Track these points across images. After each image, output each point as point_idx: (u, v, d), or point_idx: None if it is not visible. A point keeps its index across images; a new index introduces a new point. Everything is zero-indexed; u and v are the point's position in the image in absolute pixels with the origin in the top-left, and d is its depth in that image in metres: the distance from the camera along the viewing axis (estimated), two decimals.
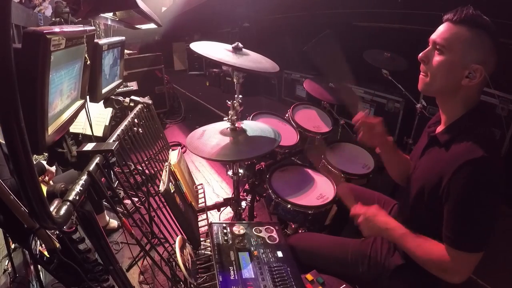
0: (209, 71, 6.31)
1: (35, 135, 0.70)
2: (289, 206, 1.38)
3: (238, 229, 1.19)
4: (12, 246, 1.52)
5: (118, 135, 1.10)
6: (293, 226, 1.58)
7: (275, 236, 1.18)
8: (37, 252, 1.05)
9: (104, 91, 1.30)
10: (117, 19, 1.95)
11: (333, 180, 1.57)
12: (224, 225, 1.20)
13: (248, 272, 1.00)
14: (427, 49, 0.89)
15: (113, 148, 0.89)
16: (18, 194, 0.58)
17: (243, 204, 1.58)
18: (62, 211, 0.62)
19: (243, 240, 1.13)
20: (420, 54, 0.90)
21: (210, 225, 1.20)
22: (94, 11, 1.32)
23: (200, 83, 6.59)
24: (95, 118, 1.96)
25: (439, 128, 0.94)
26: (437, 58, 0.85)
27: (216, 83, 5.99)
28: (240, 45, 1.20)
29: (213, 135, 1.21)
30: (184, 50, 7.89)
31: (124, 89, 3.24)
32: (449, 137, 0.87)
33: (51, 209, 0.61)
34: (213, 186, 2.63)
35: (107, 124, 1.97)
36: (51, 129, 0.77)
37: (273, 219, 1.59)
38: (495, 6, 1.33)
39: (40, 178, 1.60)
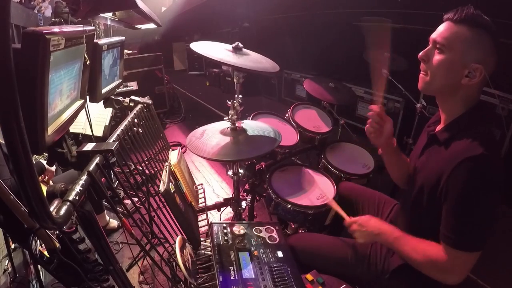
0: (209, 71, 6.31)
1: (35, 135, 0.70)
2: (289, 206, 1.38)
3: (238, 229, 1.19)
4: (12, 246, 1.52)
5: (118, 135, 1.10)
6: (293, 226, 1.58)
7: (275, 236, 1.18)
8: (37, 252, 1.05)
9: (104, 91, 1.30)
10: (117, 19, 1.95)
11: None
12: (224, 225, 1.20)
13: (248, 272, 1.00)
14: (427, 48, 0.89)
15: (113, 148, 0.89)
16: (18, 194, 0.58)
17: (243, 204, 1.58)
18: (62, 211, 0.62)
19: (243, 240, 1.13)
20: (420, 53, 0.90)
21: (210, 225, 1.20)
22: (94, 11, 1.32)
23: (200, 83, 6.59)
24: (95, 118, 1.96)
25: (439, 127, 0.94)
26: (437, 57, 0.85)
27: (216, 83, 5.99)
28: (240, 45, 1.20)
29: (213, 135, 1.21)
30: (184, 50, 7.89)
31: (124, 89, 3.25)
32: (449, 135, 0.87)
33: (51, 209, 0.61)
34: (213, 186, 2.63)
35: (107, 124, 1.97)
36: (51, 129, 0.77)
37: (273, 219, 1.58)
38: (495, 6, 1.33)
39: (40, 178, 1.60)
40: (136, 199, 1.13)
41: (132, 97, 1.52)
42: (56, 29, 0.71)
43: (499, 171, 0.77)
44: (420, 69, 0.92)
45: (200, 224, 1.45)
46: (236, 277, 0.97)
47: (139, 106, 1.48)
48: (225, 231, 1.17)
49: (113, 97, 1.46)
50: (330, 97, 1.97)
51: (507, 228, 1.72)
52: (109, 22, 2.04)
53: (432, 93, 0.91)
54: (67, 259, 0.71)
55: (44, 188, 0.66)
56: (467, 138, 0.80)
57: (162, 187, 1.09)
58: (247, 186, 1.67)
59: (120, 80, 1.54)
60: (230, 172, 1.42)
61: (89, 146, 0.88)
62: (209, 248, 1.39)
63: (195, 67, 7.50)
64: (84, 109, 1.08)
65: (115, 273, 0.90)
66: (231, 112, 1.20)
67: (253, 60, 1.19)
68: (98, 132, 1.92)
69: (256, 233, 1.18)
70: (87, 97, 1.13)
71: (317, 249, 1.16)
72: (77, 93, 1.01)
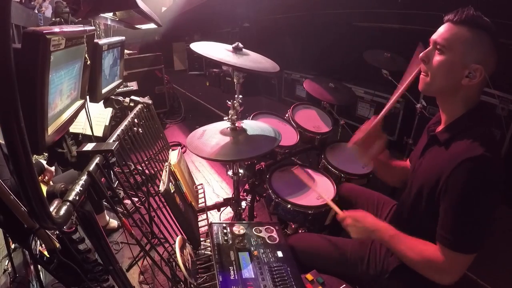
0: (209, 71, 6.30)
1: (35, 135, 0.70)
2: (289, 206, 1.38)
3: (238, 229, 1.19)
4: (12, 246, 1.52)
5: (118, 135, 1.10)
6: (293, 226, 1.58)
7: (275, 236, 1.18)
8: (37, 252, 1.05)
9: (104, 91, 1.30)
10: (117, 19, 1.94)
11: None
12: (224, 225, 1.20)
13: (248, 272, 1.00)
14: (427, 49, 0.89)
15: (113, 148, 0.89)
16: (18, 194, 0.58)
17: (243, 204, 1.58)
18: (62, 211, 0.62)
19: (243, 240, 1.13)
20: (420, 54, 0.90)
21: (210, 225, 1.20)
22: (94, 11, 1.31)
23: (200, 83, 6.58)
24: (95, 118, 1.96)
25: (439, 128, 0.94)
26: (437, 58, 0.85)
27: (216, 83, 5.99)
28: (240, 45, 1.19)
29: (213, 135, 1.21)
30: (184, 50, 7.89)
31: (124, 89, 3.24)
32: (449, 136, 0.87)
33: (51, 209, 0.61)
34: (213, 186, 2.63)
35: (107, 124, 1.97)
36: (51, 129, 0.77)
37: (273, 219, 1.59)
38: (495, 6, 1.33)
39: (40, 178, 1.60)
40: (136, 199, 1.13)
41: (132, 97, 1.52)
42: (56, 29, 0.71)
43: (499, 172, 0.76)
44: (421, 70, 0.92)
45: (200, 224, 1.45)
46: (236, 277, 0.97)
47: (139, 106, 1.48)
48: (225, 231, 1.17)
49: (113, 97, 1.46)
50: (330, 97, 1.97)
51: (507, 228, 1.72)
52: (109, 22, 2.04)
53: (433, 94, 0.92)
54: (67, 259, 0.71)
55: (44, 188, 0.66)
56: (468, 139, 0.80)
57: (162, 187, 1.09)
58: (247, 186, 1.67)
59: (120, 80, 1.54)
60: (230, 172, 1.42)
61: (89, 146, 0.89)
62: (209, 248, 1.39)
63: (195, 67, 7.50)
64: (84, 109, 1.08)
65: (115, 273, 0.90)
66: (231, 112, 1.20)
67: (253, 60, 1.19)
68: (98, 132, 1.92)
69: (256, 233, 1.18)
70: (87, 97, 1.13)
71: (317, 249, 1.16)
72: (77, 93, 1.01)
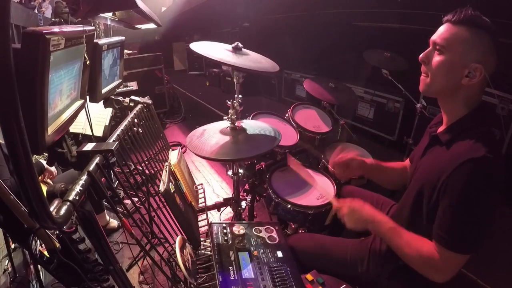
0: (209, 71, 6.31)
1: (35, 135, 0.70)
2: (289, 206, 1.38)
3: (238, 229, 1.18)
4: (12, 246, 1.52)
5: (118, 135, 1.10)
6: (293, 226, 1.58)
7: (275, 236, 1.18)
8: (37, 252, 1.05)
9: (104, 91, 1.30)
10: (117, 19, 1.94)
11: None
12: (224, 225, 1.20)
13: (248, 272, 1.00)
14: (427, 50, 0.89)
15: (113, 148, 0.89)
16: (18, 194, 0.58)
17: (243, 204, 1.58)
18: (62, 211, 0.62)
19: (243, 240, 1.13)
20: (420, 55, 0.90)
21: (210, 225, 1.20)
22: (94, 11, 1.31)
23: (200, 83, 6.58)
24: (95, 118, 1.96)
25: (441, 128, 0.94)
26: (437, 58, 0.85)
27: (216, 83, 5.99)
28: (240, 45, 1.19)
29: (213, 134, 1.21)
30: (184, 50, 7.89)
31: (124, 89, 3.24)
32: (451, 136, 0.87)
33: (51, 209, 0.61)
34: (213, 186, 2.63)
35: (107, 124, 1.97)
36: (51, 129, 0.77)
37: (273, 219, 1.59)
38: (495, 6, 1.33)
39: (40, 178, 1.60)
40: (136, 199, 1.13)
41: (132, 97, 1.52)
42: (56, 29, 0.71)
43: (500, 173, 0.76)
44: (421, 71, 0.92)
45: (200, 224, 1.45)
46: (236, 277, 0.97)
47: (139, 106, 1.48)
48: (225, 231, 1.17)
49: (113, 97, 1.46)
50: (330, 97, 1.97)
51: (507, 228, 1.72)
52: (109, 22, 2.04)
53: (433, 94, 0.92)
54: (67, 259, 0.71)
55: (44, 188, 0.66)
56: (469, 139, 0.80)
57: (162, 187, 1.09)
58: (247, 186, 1.67)
59: (120, 80, 1.54)
60: (230, 172, 1.42)
61: (89, 146, 0.89)
62: (209, 248, 1.39)
63: (195, 67, 7.51)
64: (84, 109, 1.08)
65: (115, 273, 0.90)
66: (230, 111, 1.20)
67: (253, 60, 1.19)
68: (98, 132, 1.92)
69: (255, 233, 1.18)
70: (87, 97, 1.13)
71: (317, 249, 1.16)
72: (77, 93, 1.01)
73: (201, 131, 1.25)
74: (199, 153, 1.09)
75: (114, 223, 2.05)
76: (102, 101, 1.38)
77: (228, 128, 1.22)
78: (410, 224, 0.96)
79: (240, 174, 1.43)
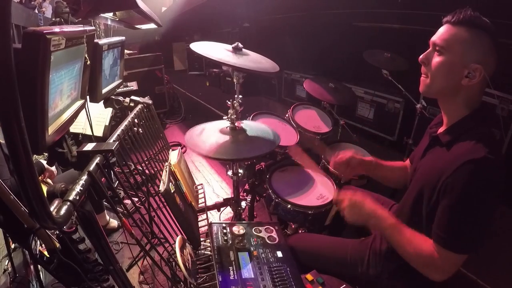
0: (209, 71, 6.30)
1: (35, 135, 0.70)
2: (289, 206, 1.38)
3: (238, 229, 1.19)
4: (12, 246, 1.52)
5: (118, 135, 1.10)
6: (293, 226, 1.58)
7: (275, 236, 1.18)
8: (37, 252, 1.05)
9: (104, 91, 1.30)
10: (117, 19, 1.94)
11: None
12: (224, 225, 1.20)
13: (248, 272, 1.00)
14: (427, 51, 0.89)
15: (113, 148, 0.89)
16: (18, 194, 0.58)
17: (243, 204, 1.58)
18: (62, 211, 0.62)
19: (243, 240, 1.13)
20: (420, 56, 0.90)
21: (210, 225, 1.20)
22: (94, 11, 1.31)
23: (200, 83, 6.58)
24: (95, 118, 1.96)
25: (441, 129, 0.94)
26: (436, 59, 0.85)
27: (216, 83, 5.99)
28: (240, 45, 1.20)
29: (213, 133, 1.21)
30: (184, 50, 7.89)
31: (124, 89, 3.24)
32: (451, 137, 0.87)
33: (51, 209, 0.61)
34: (213, 186, 2.63)
35: (107, 124, 1.97)
36: (51, 129, 0.77)
37: (273, 219, 1.59)
38: (495, 6, 1.33)
39: (40, 178, 1.60)
40: (136, 199, 1.13)
41: (132, 97, 1.52)
42: (56, 29, 0.71)
43: (500, 174, 0.76)
44: (421, 72, 0.92)
45: (200, 224, 1.45)
46: (236, 277, 0.97)
47: (139, 106, 1.48)
48: (224, 231, 1.17)
49: (113, 97, 1.46)
50: (330, 97, 1.97)
51: (507, 228, 1.72)
52: (109, 22, 2.04)
53: (434, 95, 0.92)
54: (67, 259, 0.71)
55: (44, 188, 0.66)
56: (470, 140, 0.80)
57: (162, 187, 1.09)
58: (247, 186, 1.67)
59: (120, 80, 1.54)
60: (230, 172, 1.42)
61: (89, 146, 0.89)
62: (209, 248, 1.39)
63: (195, 67, 7.50)
64: (84, 109, 1.08)
65: (115, 273, 0.90)
66: (230, 111, 1.20)
67: (253, 60, 1.19)
68: (98, 132, 1.92)
69: (255, 233, 1.18)
70: (87, 97, 1.13)
71: (317, 249, 1.16)
72: (77, 93, 1.01)
73: (201, 129, 1.25)
74: (198, 151, 1.08)
75: (114, 223, 2.05)
76: (102, 101, 1.38)
77: (228, 128, 1.22)
78: (410, 225, 0.96)
79: (240, 174, 1.43)
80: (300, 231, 1.55)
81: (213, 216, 2.06)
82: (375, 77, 2.57)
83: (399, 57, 2.18)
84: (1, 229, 1.25)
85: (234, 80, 1.18)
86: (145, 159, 1.35)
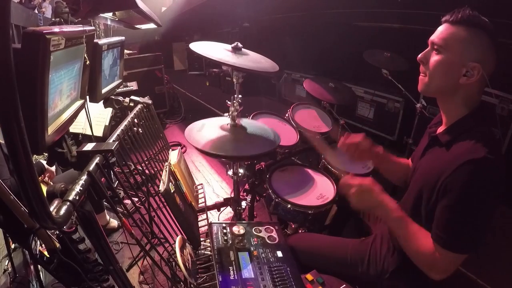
0: (209, 71, 6.31)
1: (35, 135, 0.70)
2: (289, 206, 1.38)
3: (238, 229, 1.19)
4: (12, 246, 1.53)
5: (118, 135, 1.10)
6: (293, 226, 1.58)
7: (275, 236, 1.18)
8: (37, 252, 1.05)
9: (104, 91, 1.30)
10: (117, 19, 1.95)
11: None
12: (224, 225, 1.20)
13: (248, 272, 1.00)
14: (425, 50, 0.89)
15: (113, 148, 0.89)
16: (18, 194, 0.58)
17: (243, 204, 1.58)
18: (62, 211, 0.62)
19: (243, 240, 1.13)
20: (419, 55, 0.90)
21: (210, 225, 1.20)
22: (94, 11, 1.32)
23: (200, 83, 6.59)
24: (95, 118, 1.96)
25: (440, 129, 0.94)
26: (434, 58, 0.86)
27: (216, 83, 5.99)
28: (240, 45, 1.19)
29: (213, 129, 1.20)
30: (184, 50, 7.89)
31: (124, 89, 3.25)
32: (450, 137, 0.87)
33: (51, 209, 0.61)
34: (213, 186, 2.63)
35: (107, 124, 1.97)
36: (51, 129, 0.77)
37: (273, 219, 1.58)
38: (495, 6, 1.33)
39: (40, 178, 1.60)
40: (136, 199, 1.13)
41: (132, 97, 1.52)
42: (56, 29, 0.71)
43: (500, 174, 0.76)
44: (420, 71, 0.92)
45: (200, 224, 1.45)
46: (236, 277, 0.97)
47: (139, 106, 1.48)
48: (224, 231, 1.17)
49: (113, 97, 1.46)
50: (330, 97, 1.97)
51: (507, 228, 1.72)
52: (109, 22, 2.04)
53: (432, 94, 0.92)
54: (67, 259, 0.71)
55: (44, 188, 0.66)
56: (469, 140, 0.80)
57: (162, 187, 1.09)
58: (247, 186, 1.67)
59: (120, 80, 1.54)
60: (230, 172, 1.42)
61: (89, 146, 0.88)
62: (209, 248, 1.39)
63: (195, 67, 7.51)
64: (84, 109, 1.08)
65: (115, 273, 0.90)
66: (231, 108, 1.20)
67: (253, 60, 1.19)
68: (98, 132, 1.92)
69: (255, 233, 1.18)
70: (87, 97, 1.13)
71: (317, 249, 1.16)
72: (77, 93, 1.01)
73: (201, 124, 1.25)
74: (197, 146, 1.07)
75: (114, 223, 2.05)
76: (102, 101, 1.38)
77: (228, 125, 1.22)
78: None
79: (240, 174, 1.43)
80: (300, 231, 1.55)
81: (213, 216, 2.06)
82: (375, 77, 2.57)
83: (399, 57, 2.18)
84: (1, 229, 1.25)
85: (234, 80, 1.18)
86: (145, 159, 1.35)
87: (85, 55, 0.98)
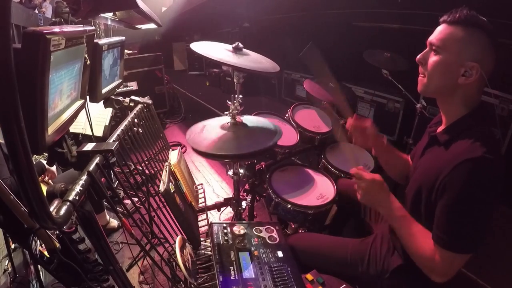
0: (209, 71, 6.30)
1: (35, 135, 0.70)
2: (289, 206, 1.38)
3: (238, 229, 1.19)
4: (12, 246, 1.52)
5: (118, 135, 1.10)
6: (293, 226, 1.58)
7: (275, 236, 1.18)
8: (37, 252, 1.05)
9: (104, 91, 1.30)
10: (117, 19, 1.95)
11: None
12: (224, 225, 1.20)
13: (249, 272, 1.00)
14: (424, 51, 0.90)
15: (113, 148, 0.89)
16: (18, 194, 0.58)
17: (243, 204, 1.58)
18: (62, 211, 0.62)
19: (244, 240, 1.13)
20: (417, 56, 0.90)
21: (210, 225, 1.20)
22: (94, 11, 1.32)
23: (200, 83, 6.58)
24: (95, 118, 1.96)
25: (440, 128, 0.94)
26: (433, 58, 0.86)
27: (216, 83, 5.99)
28: (240, 45, 1.19)
29: (214, 129, 1.20)
30: (184, 50, 7.88)
31: (124, 89, 3.24)
32: (449, 136, 0.87)
33: (51, 209, 0.61)
34: (213, 186, 2.63)
35: (107, 124, 1.97)
36: (51, 129, 0.77)
37: (273, 219, 1.58)
38: (494, 6, 1.33)
39: (40, 178, 1.60)
40: (136, 199, 1.13)
41: (132, 97, 1.53)
42: (56, 29, 0.71)
43: (498, 173, 0.76)
44: (419, 72, 0.92)
45: (200, 224, 1.45)
46: (236, 277, 0.97)
47: (139, 106, 1.48)
48: (225, 231, 1.17)
49: (113, 97, 1.46)
50: (330, 97, 1.97)
51: (507, 228, 1.72)
52: (109, 22, 2.04)
53: (431, 94, 0.92)
54: (67, 259, 0.71)
55: (44, 188, 0.66)
56: (468, 139, 0.80)
57: (162, 187, 1.09)
58: (247, 186, 1.67)
59: (120, 80, 1.54)
60: (230, 172, 1.42)
61: (89, 146, 0.89)
62: (209, 248, 1.39)
63: (195, 67, 7.50)
64: (84, 109, 1.08)
65: (115, 273, 0.90)
66: (232, 107, 1.20)
67: (253, 60, 1.19)
68: (98, 132, 1.92)
69: (256, 233, 1.18)
70: (87, 97, 1.13)
71: (317, 249, 1.16)
72: (77, 93, 1.01)
73: (202, 126, 1.25)
74: (199, 148, 1.07)
75: (114, 223, 2.04)
76: (102, 101, 1.38)
77: (229, 124, 1.22)
78: None
79: (240, 174, 1.43)
80: (300, 231, 1.55)
81: (213, 216, 2.06)
82: (375, 77, 2.57)
83: (399, 57, 2.18)
84: (1, 229, 1.25)
85: (234, 80, 1.18)
86: (145, 159, 1.36)
87: (86, 55, 0.98)
